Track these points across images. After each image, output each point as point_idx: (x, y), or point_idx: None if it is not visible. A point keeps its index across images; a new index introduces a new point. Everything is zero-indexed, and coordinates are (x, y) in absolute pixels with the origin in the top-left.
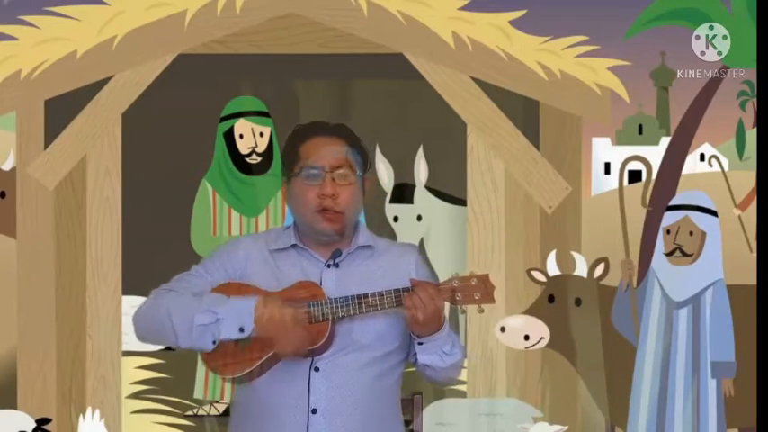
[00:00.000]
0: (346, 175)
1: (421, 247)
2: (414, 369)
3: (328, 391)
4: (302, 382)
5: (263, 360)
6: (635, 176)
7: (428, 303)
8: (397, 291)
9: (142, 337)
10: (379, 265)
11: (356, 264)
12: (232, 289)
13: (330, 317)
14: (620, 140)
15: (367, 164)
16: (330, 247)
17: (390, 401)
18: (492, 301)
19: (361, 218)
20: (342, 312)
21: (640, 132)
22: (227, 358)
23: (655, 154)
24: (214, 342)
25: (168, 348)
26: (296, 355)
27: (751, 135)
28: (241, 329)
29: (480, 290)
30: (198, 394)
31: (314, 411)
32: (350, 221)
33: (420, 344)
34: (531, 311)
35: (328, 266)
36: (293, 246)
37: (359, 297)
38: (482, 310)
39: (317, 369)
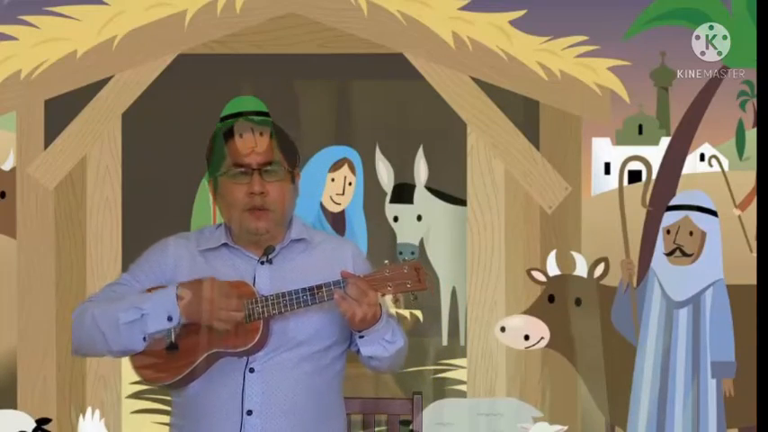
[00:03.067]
0: (275, 172)
1: (421, 247)
2: (413, 369)
3: (264, 391)
4: (237, 384)
5: (195, 364)
6: (635, 176)
7: (359, 297)
8: (327, 285)
9: (77, 349)
10: (314, 259)
11: (290, 258)
12: None
13: (261, 315)
14: (620, 140)
15: (296, 159)
16: (262, 244)
17: (331, 396)
18: (424, 288)
19: (297, 211)
20: (273, 310)
21: (640, 132)
22: (160, 366)
23: (655, 154)
24: (145, 339)
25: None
26: (231, 325)
27: (751, 135)
28: (169, 318)
29: (411, 277)
30: None
31: (249, 413)
32: (281, 218)
33: (361, 337)
34: (531, 311)
35: (261, 263)
36: (224, 245)
37: (289, 294)
38: (415, 298)
39: (251, 370)
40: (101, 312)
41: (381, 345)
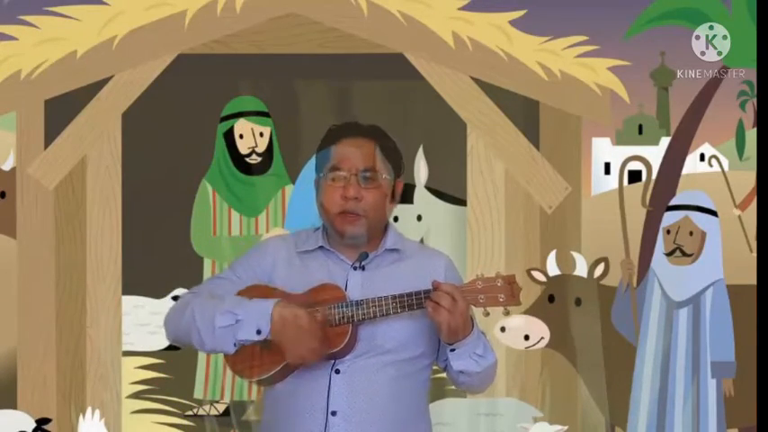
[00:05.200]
0: (373, 178)
1: None
2: None
3: (349, 393)
4: (323, 385)
5: (284, 363)
6: (635, 176)
7: (451, 308)
8: (418, 293)
9: (172, 338)
10: (407, 269)
11: (383, 267)
12: (259, 291)
13: (351, 319)
14: (620, 140)
15: (399, 167)
16: (357, 249)
17: (414, 405)
18: (518, 302)
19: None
20: (362, 315)
21: (640, 132)
22: (252, 361)
23: (655, 154)
24: (235, 344)
25: (169, 348)
26: (305, 363)
27: (751, 135)
28: (258, 332)
29: (505, 291)
30: (198, 394)
31: (333, 414)
32: (373, 225)
33: (452, 350)
34: (531, 311)
35: (354, 269)
36: (320, 247)
37: (380, 299)
38: (507, 312)
39: (337, 371)
40: (200, 310)
41: (473, 359)
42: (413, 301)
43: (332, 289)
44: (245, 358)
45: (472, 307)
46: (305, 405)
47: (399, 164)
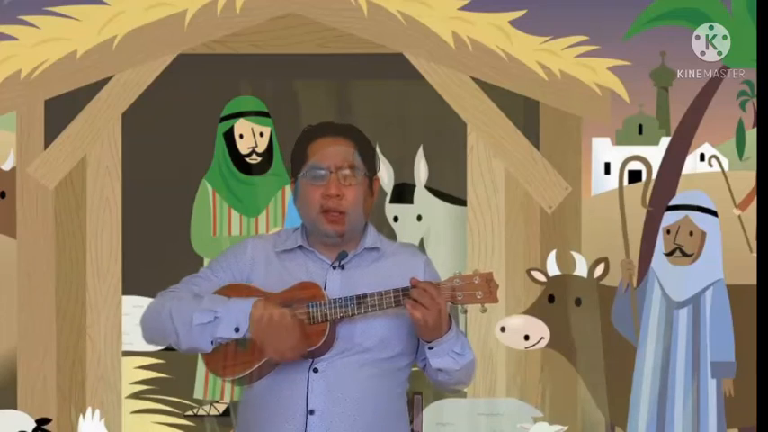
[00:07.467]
0: (352, 176)
1: (421, 248)
2: (413, 369)
3: (326, 392)
4: (301, 383)
5: (261, 363)
6: (635, 176)
7: (429, 305)
8: (396, 291)
9: (148, 338)
10: (386, 268)
11: (362, 266)
12: (236, 291)
13: (329, 317)
14: (620, 140)
15: (375, 165)
16: (337, 248)
17: (393, 404)
18: (495, 300)
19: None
20: (340, 313)
21: (640, 132)
22: (227, 360)
23: (655, 154)
24: (212, 342)
25: (169, 348)
26: (285, 361)
27: (751, 135)
28: (236, 329)
29: (483, 288)
30: (198, 394)
31: (311, 413)
32: (354, 222)
33: (431, 348)
34: (531, 311)
35: (334, 268)
36: (300, 247)
37: (357, 297)
38: (485, 310)
39: (315, 370)
40: (177, 309)
41: (451, 357)
42: (391, 299)
43: (311, 287)
44: (221, 357)
45: (451, 305)
46: (283, 404)
47: (374, 161)
